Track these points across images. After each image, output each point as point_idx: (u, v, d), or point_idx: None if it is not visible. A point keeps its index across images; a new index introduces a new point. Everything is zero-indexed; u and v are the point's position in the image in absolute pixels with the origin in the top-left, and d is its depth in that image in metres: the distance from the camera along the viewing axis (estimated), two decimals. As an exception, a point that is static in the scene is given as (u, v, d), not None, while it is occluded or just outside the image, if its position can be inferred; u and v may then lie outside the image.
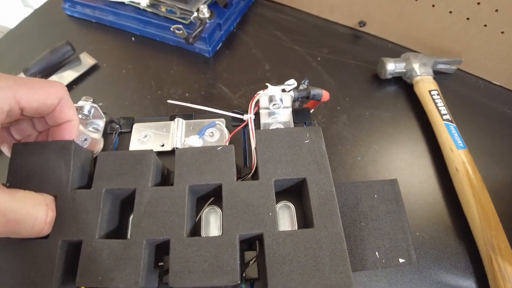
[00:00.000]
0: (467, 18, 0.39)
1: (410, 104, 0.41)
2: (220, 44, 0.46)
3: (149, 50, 0.46)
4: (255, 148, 0.22)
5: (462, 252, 0.31)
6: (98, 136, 0.26)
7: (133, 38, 0.48)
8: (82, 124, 0.27)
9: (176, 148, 0.25)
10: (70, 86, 0.43)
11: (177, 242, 0.18)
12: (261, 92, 0.24)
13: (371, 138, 0.38)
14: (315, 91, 0.24)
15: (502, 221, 0.30)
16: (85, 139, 0.26)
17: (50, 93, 0.20)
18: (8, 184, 0.20)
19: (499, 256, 0.28)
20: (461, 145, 0.34)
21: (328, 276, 0.17)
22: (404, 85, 0.43)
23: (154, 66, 0.45)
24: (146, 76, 0.44)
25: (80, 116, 0.26)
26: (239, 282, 0.17)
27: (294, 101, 0.26)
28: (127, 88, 0.43)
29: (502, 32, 0.38)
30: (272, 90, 0.24)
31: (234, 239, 0.18)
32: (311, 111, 0.28)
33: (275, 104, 0.24)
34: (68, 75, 0.43)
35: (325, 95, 0.24)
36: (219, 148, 0.21)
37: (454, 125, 0.36)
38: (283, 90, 0.25)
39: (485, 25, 0.39)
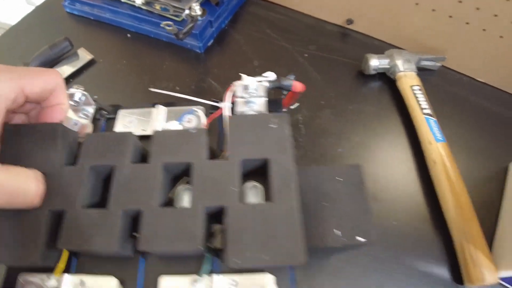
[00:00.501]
0: (450, 16, 0.40)
1: (394, 99, 0.42)
2: (212, 40, 0.48)
3: (144, 46, 0.48)
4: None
5: (437, 241, 0.32)
6: (87, 121, 0.28)
7: (128, 35, 0.50)
8: (73, 110, 0.29)
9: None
10: (68, 80, 0.45)
11: (149, 212, 0.20)
12: (236, 82, 0.26)
13: (354, 131, 0.39)
14: (285, 81, 0.26)
15: (479, 212, 0.31)
16: (75, 124, 0.28)
17: (49, 80, 0.23)
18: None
19: (471, 244, 0.29)
20: (440, 138, 0.35)
21: (283, 245, 0.18)
22: (388, 81, 0.44)
23: (148, 61, 0.47)
24: (140, 71, 0.46)
25: (71, 102, 0.28)
26: (201, 247, 0.19)
27: (270, 91, 0.27)
28: (122, 82, 0.45)
29: (484, 30, 0.39)
30: (247, 80, 0.26)
31: (200, 210, 0.20)
32: (296, 104, 0.29)
33: (249, 92, 0.26)
34: (66, 69, 0.45)
35: (297, 85, 0.26)
36: (193, 131, 0.23)
37: (435, 119, 0.37)
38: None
39: (467, 23, 0.40)
